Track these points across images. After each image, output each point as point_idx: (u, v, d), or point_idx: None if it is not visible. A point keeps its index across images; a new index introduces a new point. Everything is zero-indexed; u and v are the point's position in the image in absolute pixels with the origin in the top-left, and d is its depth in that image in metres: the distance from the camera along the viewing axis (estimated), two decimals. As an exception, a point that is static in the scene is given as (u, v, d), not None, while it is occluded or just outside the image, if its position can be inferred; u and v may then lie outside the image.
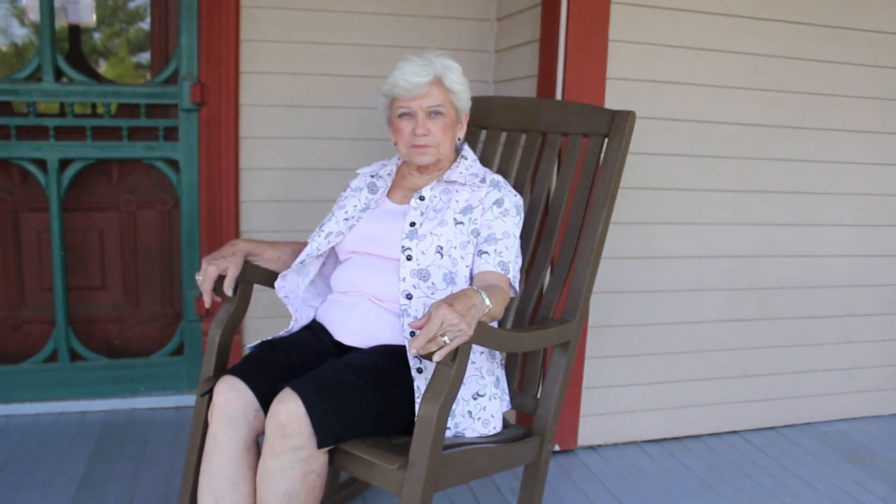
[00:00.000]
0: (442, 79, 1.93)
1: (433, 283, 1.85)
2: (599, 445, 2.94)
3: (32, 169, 2.95)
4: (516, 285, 1.90)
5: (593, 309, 2.72)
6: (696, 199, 2.86)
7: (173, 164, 3.04)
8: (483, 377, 1.89)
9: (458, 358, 1.56)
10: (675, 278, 2.89)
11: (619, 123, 2.06)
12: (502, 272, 1.86)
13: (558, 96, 2.61)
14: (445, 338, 1.50)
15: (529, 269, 2.14)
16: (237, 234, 3.07)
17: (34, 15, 3.00)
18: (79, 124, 2.95)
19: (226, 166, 3.01)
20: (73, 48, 3.15)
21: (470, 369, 1.82)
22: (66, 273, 3.03)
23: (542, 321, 2.09)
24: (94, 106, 3.07)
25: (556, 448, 2.83)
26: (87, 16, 3.13)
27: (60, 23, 3.07)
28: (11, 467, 2.65)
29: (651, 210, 2.81)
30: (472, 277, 1.89)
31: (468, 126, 2.10)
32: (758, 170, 2.91)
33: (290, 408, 1.60)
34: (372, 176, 2.10)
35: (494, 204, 1.92)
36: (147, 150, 3.01)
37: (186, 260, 3.09)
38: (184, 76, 2.95)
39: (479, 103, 2.21)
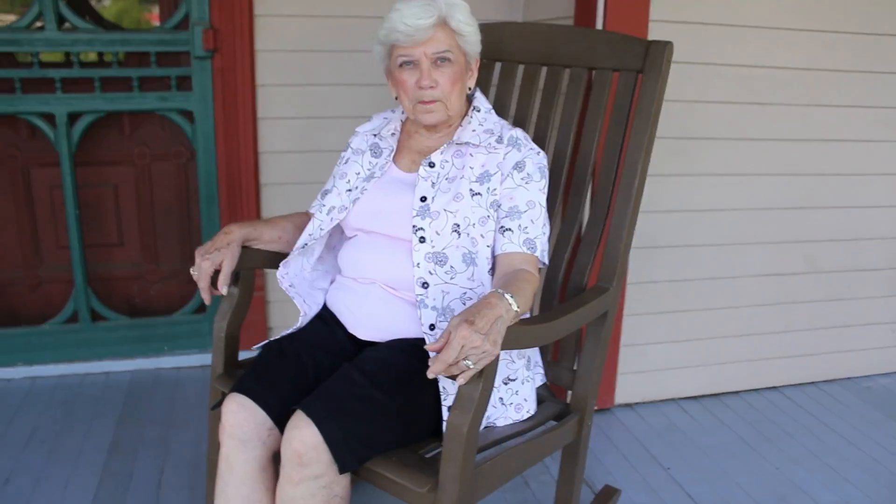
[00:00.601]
0: (447, 20, 1.66)
1: (451, 267, 1.65)
2: (637, 403, 2.88)
3: (40, 123, 2.82)
4: (545, 259, 1.71)
5: (631, 265, 2.62)
6: (741, 149, 2.72)
7: (187, 114, 2.90)
8: (513, 361, 1.74)
9: (485, 373, 1.40)
10: (717, 232, 2.77)
11: (655, 56, 1.77)
12: (529, 251, 1.65)
13: (599, 13, 2.41)
14: (468, 361, 1.32)
15: (557, 231, 1.95)
16: (257, 187, 2.95)
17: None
18: (86, 75, 2.80)
19: (243, 116, 2.86)
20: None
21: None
22: (81, 231, 2.93)
23: (574, 291, 1.90)
24: (101, 55, 2.90)
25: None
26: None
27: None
28: (40, 434, 2.63)
29: (693, 161, 2.67)
30: (493, 257, 1.70)
31: (481, 59, 1.83)
32: (807, 117, 2.75)
33: (305, 435, 1.45)
34: (374, 135, 1.86)
35: (514, 168, 1.69)
36: (160, 101, 2.86)
37: (205, 215, 2.98)
38: (195, 21, 2.78)
39: (491, 31, 1.97)
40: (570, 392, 1.91)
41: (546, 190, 1.73)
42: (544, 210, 1.70)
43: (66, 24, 2.76)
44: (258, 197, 2.97)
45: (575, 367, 1.92)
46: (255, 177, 2.94)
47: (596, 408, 2.75)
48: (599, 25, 2.43)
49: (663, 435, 2.69)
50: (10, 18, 2.86)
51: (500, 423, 1.73)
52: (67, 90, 2.80)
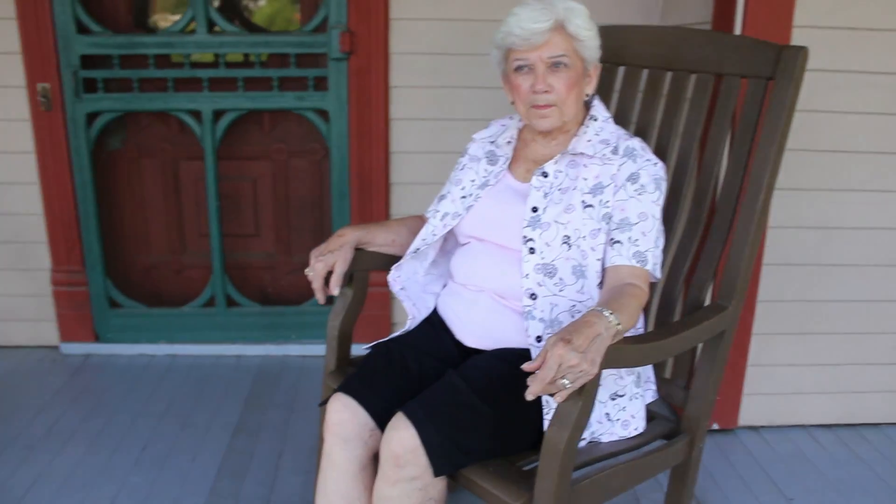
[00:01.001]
0: (565, 24, 1.63)
1: (561, 279, 1.63)
2: (762, 427, 2.74)
3: (188, 120, 3.01)
4: (657, 273, 1.65)
5: (762, 282, 2.49)
6: (891, 164, 2.51)
7: (323, 114, 3.01)
8: (622, 377, 1.69)
9: (584, 392, 1.38)
10: (859, 251, 2.59)
11: (788, 62, 1.67)
12: (638, 264, 1.60)
13: (738, 14, 2.30)
14: (565, 380, 1.31)
15: (676, 244, 1.89)
16: (387, 185, 3.03)
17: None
18: (231, 75, 2.96)
19: (375, 116, 2.95)
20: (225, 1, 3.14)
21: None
22: (221, 221, 3.11)
23: (691, 307, 1.84)
24: (245, 56, 3.06)
25: (715, 426, 2.66)
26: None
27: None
28: (175, 408, 2.81)
29: (835, 175, 2.51)
30: (603, 270, 1.66)
31: (603, 63, 1.80)
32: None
33: (403, 437, 1.49)
34: (491, 142, 1.86)
35: (628, 180, 1.64)
36: (297, 101, 2.98)
37: (337, 211, 3.08)
38: (333, 24, 2.88)
39: (614, 34, 1.93)
40: (683, 414, 1.84)
41: (661, 202, 1.67)
42: (658, 223, 1.65)
43: (216, 28, 2.93)
44: (388, 195, 3.04)
45: (689, 387, 1.85)
46: (386, 175, 3.02)
47: (717, 428, 2.66)
48: (737, 31, 2.32)
49: (788, 463, 2.54)
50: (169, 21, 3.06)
51: (606, 438, 1.69)
52: (214, 89, 2.98)
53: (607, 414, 1.68)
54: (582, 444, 1.63)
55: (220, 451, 2.55)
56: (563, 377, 1.31)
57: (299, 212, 3.24)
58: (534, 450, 1.61)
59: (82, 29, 2.92)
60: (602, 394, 1.65)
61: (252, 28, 3.17)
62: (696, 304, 1.84)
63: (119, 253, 3.26)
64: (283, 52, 2.96)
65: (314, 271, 1.80)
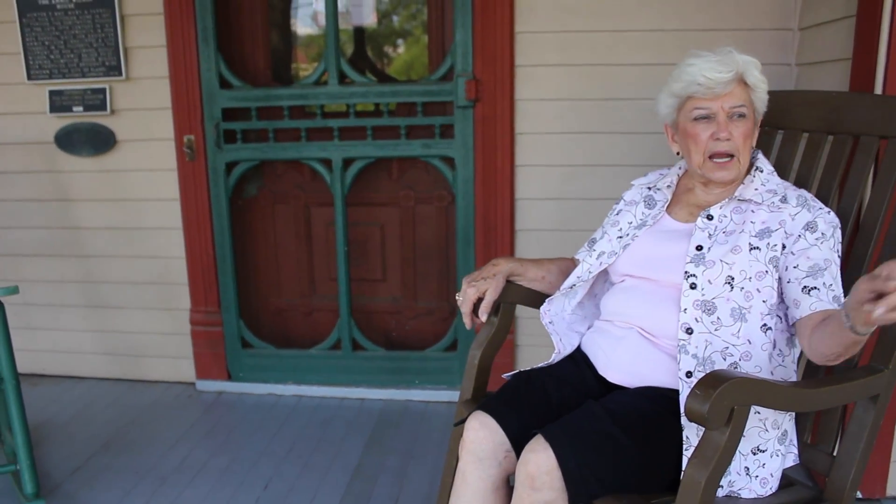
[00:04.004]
0: (744, 75, 1.72)
1: (718, 318, 1.64)
2: (912, 497, 2.54)
3: (319, 168, 3.18)
4: None
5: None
6: None
7: (449, 161, 3.10)
8: (767, 430, 1.67)
9: (733, 421, 1.37)
10: None
11: None
12: (840, 308, 1.53)
13: (878, 85, 2.24)
14: None
15: None
16: (512, 232, 3.08)
17: (324, 20, 3.17)
18: (360, 124, 3.13)
19: (501, 163, 3.02)
20: (357, 49, 3.31)
21: (752, 420, 1.60)
22: (349, 265, 3.24)
23: (843, 366, 1.76)
24: (375, 104, 3.19)
25: (858, 495, 2.48)
26: (369, 17, 3.26)
27: (345, 25, 3.21)
28: (297, 449, 2.93)
29: None
30: (795, 324, 1.64)
31: (762, 126, 1.85)
32: None
33: (541, 458, 1.52)
34: (649, 188, 1.93)
35: (806, 228, 1.66)
36: (424, 148, 3.08)
37: (462, 257, 3.15)
38: (459, 73, 2.98)
39: (775, 99, 1.92)
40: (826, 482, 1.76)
41: (838, 250, 1.69)
42: (839, 269, 1.66)
43: (347, 79, 3.07)
44: (513, 241, 3.09)
45: (834, 453, 1.78)
46: (511, 222, 3.07)
47: (861, 497, 2.48)
48: (881, 70, 2.24)
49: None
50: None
51: (745, 494, 1.67)
52: (344, 138, 3.14)
53: (747, 468, 1.66)
54: (720, 493, 1.62)
55: (339, 493, 2.64)
56: None
57: (425, 257, 3.32)
58: (669, 491, 1.60)
59: (224, 84, 3.16)
60: (744, 445, 1.64)
61: (382, 77, 3.31)
62: (850, 364, 1.78)
63: (252, 295, 3.46)
64: (410, 101, 3.07)
65: (464, 296, 1.89)
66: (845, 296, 1.57)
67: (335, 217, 3.20)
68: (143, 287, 3.45)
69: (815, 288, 1.60)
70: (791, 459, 1.76)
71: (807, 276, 1.62)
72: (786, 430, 1.71)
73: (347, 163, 3.16)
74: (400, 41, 3.42)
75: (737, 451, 1.57)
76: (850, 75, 2.37)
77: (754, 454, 1.65)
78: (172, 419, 3.20)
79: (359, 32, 3.34)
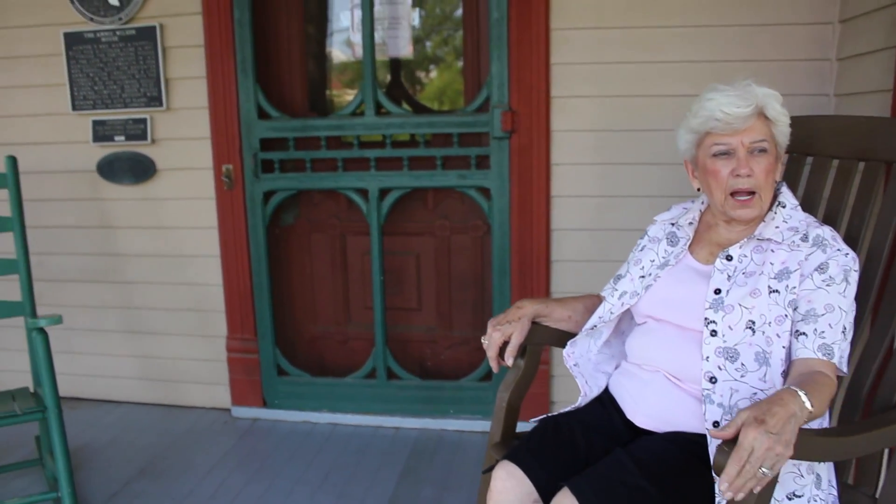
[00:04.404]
0: (764, 109, 1.68)
1: (742, 364, 1.61)
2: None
3: (356, 198, 3.22)
4: (844, 367, 1.61)
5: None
6: None
7: (485, 191, 3.13)
8: (802, 476, 1.64)
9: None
10: None
11: None
12: (824, 357, 1.56)
13: (919, 116, 2.21)
14: (764, 468, 1.29)
15: (865, 339, 1.83)
16: (547, 263, 3.10)
17: (360, 52, 3.23)
18: (397, 155, 3.17)
19: (537, 194, 3.04)
20: (394, 80, 3.35)
21: (787, 465, 1.58)
22: (384, 294, 3.26)
23: (880, 407, 1.76)
24: (411, 135, 3.22)
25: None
26: (405, 48, 3.30)
27: (381, 56, 3.26)
28: (333, 478, 2.96)
29: None
30: (789, 361, 1.63)
31: (790, 153, 1.84)
32: None
33: None
34: (672, 224, 1.90)
35: (816, 270, 1.62)
36: (459, 179, 3.11)
37: (497, 287, 3.17)
38: (495, 104, 3.01)
39: (803, 125, 1.91)
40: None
41: (850, 293, 1.64)
42: (846, 315, 1.61)
43: (383, 110, 3.12)
44: (548, 273, 3.10)
45: (877, 495, 1.76)
46: (547, 253, 3.08)
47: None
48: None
49: None
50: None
51: None
52: (380, 168, 3.18)
53: None
54: None
55: (374, 524, 2.64)
56: (760, 466, 1.29)
57: (460, 287, 3.34)
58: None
59: (263, 115, 3.22)
60: (779, 491, 1.60)
61: (418, 108, 3.35)
62: (887, 405, 1.76)
63: (288, 323, 3.51)
64: (446, 132, 3.10)
65: (490, 340, 1.89)
66: (846, 342, 1.59)
67: (371, 246, 3.24)
68: (181, 314, 3.51)
69: (804, 334, 1.59)
70: (832, 501, 1.72)
71: (801, 321, 1.60)
72: (820, 475, 1.67)
73: (384, 193, 3.20)
74: (434, 72, 3.47)
75: (772, 499, 1.53)
76: (892, 106, 2.36)
77: (790, 500, 1.62)
78: (208, 445, 3.24)
79: (394, 63, 3.39)
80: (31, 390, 2.97)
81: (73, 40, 3.37)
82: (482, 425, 3.24)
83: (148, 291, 3.53)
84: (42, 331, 2.58)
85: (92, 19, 3.32)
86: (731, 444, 1.33)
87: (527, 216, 3.06)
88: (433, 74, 3.49)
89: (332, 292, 3.48)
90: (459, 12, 3.30)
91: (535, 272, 3.08)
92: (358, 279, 3.43)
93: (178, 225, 3.42)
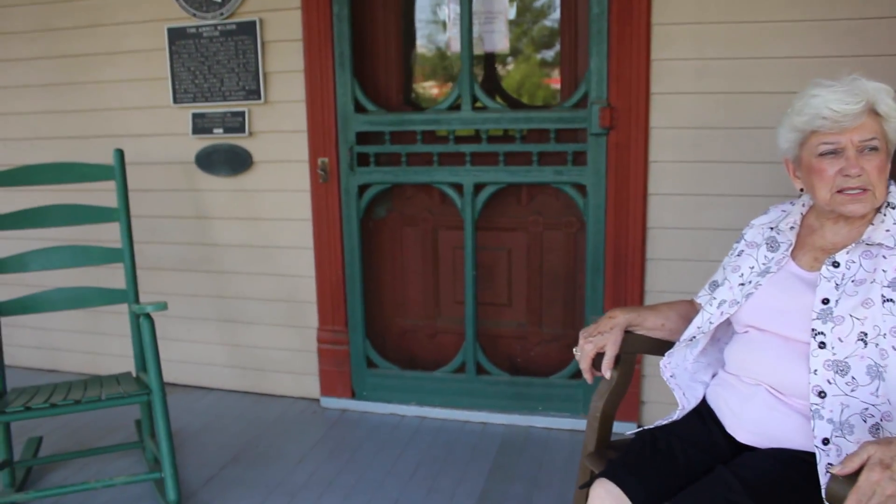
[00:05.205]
0: (875, 105, 1.58)
1: (853, 378, 1.53)
2: None
3: (450, 192, 3.26)
4: None
5: None
6: None
7: (580, 188, 3.14)
8: None
9: None
10: None
11: None
12: None
13: None
14: None
15: None
16: (642, 261, 3.09)
17: (456, 46, 3.27)
18: (492, 150, 3.19)
19: (633, 191, 3.03)
20: (488, 75, 3.38)
21: None
22: (476, 289, 3.28)
23: None
24: (505, 131, 3.25)
25: None
26: (501, 43, 3.33)
27: (477, 51, 3.30)
28: (422, 471, 3.00)
29: None
30: None
31: None
32: None
33: None
34: (771, 228, 1.82)
35: None
36: (555, 175, 3.13)
37: (590, 284, 3.17)
38: (593, 100, 3.01)
39: None
40: None
41: None
42: None
43: (479, 105, 3.16)
44: (643, 271, 3.10)
45: None
46: (642, 251, 3.08)
47: None
48: None
49: None
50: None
51: None
52: (476, 163, 3.22)
53: None
54: None
55: (464, 518, 2.68)
56: None
57: (552, 284, 3.36)
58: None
59: (359, 108, 3.28)
60: None
61: (512, 103, 3.37)
62: None
63: (378, 315, 3.57)
64: (542, 128, 3.12)
65: (583, 352, 1.88)
66: None
67: (464, 241, 3.28)
68: (272, 304, 3.61)
69: None
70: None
71: None
72: None
73: (478, 188, 3.23)
74: (529, 66, 3.49)
75: None
76: None
77: None
78: (298, 434, 3.33)
79: (489, 57, 3.43)
80: (134, 375, 3.10)
81: (175, 35, 3.49)
82: (571, 423, 3.26)
83: (241, 281, 3.64)
84: (148, 316, 2.70)
85: (195, 15, 3.44)
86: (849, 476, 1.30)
87: (622, 213, 3.06)
88: (519, 68, 3.51)
89: (423, 286, 3.53)
90: (557, 6, 3.32)
91: (629, 270, 3.08)
92: (449, 273, 3.48)
93: (273, 216, 3.52)
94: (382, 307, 3.59)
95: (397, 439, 3.25)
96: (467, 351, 3.36)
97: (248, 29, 3.38)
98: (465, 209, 3.25)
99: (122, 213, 3.05)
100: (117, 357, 3.93)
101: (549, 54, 3.44)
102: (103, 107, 3.71)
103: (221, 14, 3.40)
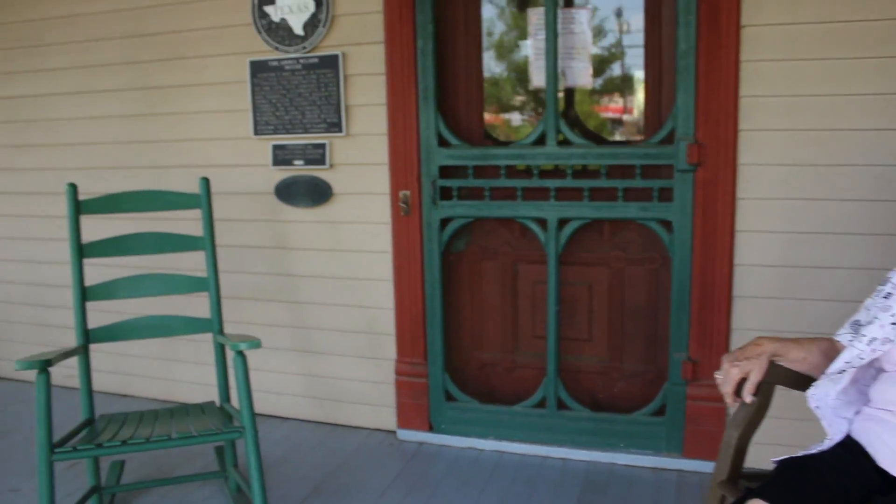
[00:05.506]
0: None
1: None
2: None
3: (533, 227, 3.28)
4: None
5: None
6: None
7: (666, 224, 3.13)
8: None
9: None
10: None
11: None
12: None
13: None
14: None
15: None
16: (729, 298, 3.08)
17: (537, 81, 3.30)
18: (577, 185, 3.20)
19: (721, 228, 3.03)
20: (569, 110, 3.40)
21: None
22: (558, 324, 3.29)
23: None
24: (585, 165, 3.27)
25: None
26: (584, 79, 3.33)
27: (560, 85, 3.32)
28: (505, 508, 2.98)
29: None
30: None
31: None
32: None
33: None
34: None
35: None
36: (641, 211, 3.13)
37: (675, 321, 3.16)
38: (680, 136, 3.02)
39: None
40: None
41: None
42: None
43: (564, 140, 3.18)
44: (730, 308, 3.09)
45: None
46: (729, 288, 3.07)
47: None
48: None
49: None
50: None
51: None
52: (560, 198, 3.23)
53: None
54: None
55: (555, 560, 2.67)
56: None
57: (633, 319, 3.35)
58: None
59: (442, 142, 3.31)
60: None
61: (591, 137, 3.38)
62: None
63: (456, 348, 3.59)
64: (628, 164, 3.13)
65: (727, 376, 1.90)
66: None
67: (547, 276, 3.28)
68: (350, 335, 3.65)
69: None
70: None
71: None
72: None
73: (562, 222, 3.24)
74: (613, 102, 3.51)
75: None
76: None
77: None
78: (376, 467, 3.34)
79: (568, 92, 3.44)
80: (217, 404, 3.14)
81: (257, 68, 3.56)
82: (654, 461, 3.23)
83: (319, 312, 3.68)
84: (241, 353, 2.74)
85: (277, 48, 3.51)
86: None
87: (709, 250, 3.04)
88: (613, 110, 3.53)
89: (501, 319, 3.54)
90: (640, 43, 3.34)
91: (716, 307, 3.06)
92: (528, 307, 3.48)
93: (352, 248, 3.56)
94: (461, 340, 3.60)
95: (478, 474, 3.25)
96: (548, 386, 3.35)
97: (331, 62, 3.44)
98: (549, 244, 3.26)
99: (208, 242, 3.11)
100: (191, 384, 3.99)
101: (598, 82, 3.47)
102: (184, 137, 3.80)
103: (304, 48, 3.46)
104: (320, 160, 3.52)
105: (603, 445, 3.32)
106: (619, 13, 3.39)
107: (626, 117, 3.62)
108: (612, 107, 3.62)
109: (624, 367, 3.41)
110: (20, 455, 3.60)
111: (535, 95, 3.57)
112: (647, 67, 3.27)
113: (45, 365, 2.58)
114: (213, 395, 3.82)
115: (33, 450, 3.59)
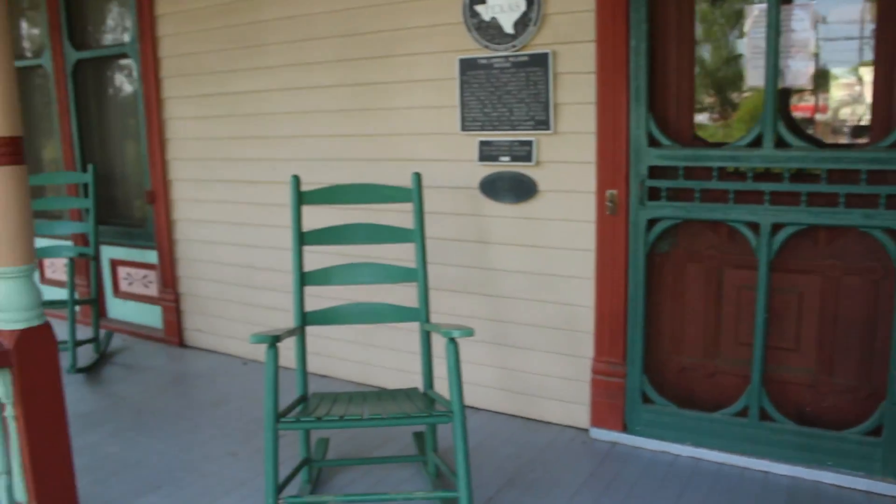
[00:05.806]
0: None
1: None
2: None
3: (744, 230, 3.21)
4: None
5: None
6: None
7: (892, 233, 2.98)
8: None
9: None
10: None
11: None
12: None
13: None
14: None
15: None
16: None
17: (753, 80, 3.22)
18: (794, 189, 3.11)
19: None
20: (784, 111, 3.28)
21: None
22: (767, 332, 3.20)
23: None
24: (800, 168, 3.15)
25: None
26: (803, 78, 3.21)
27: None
28: (706, 515, 2.94)
29: None
30: None
31: None
32: None
33: None
34: None
35: None
36: (864, 218, 3.01)
37: (896, 336, 2.99)
38: (914, 141, 2.85)
39: None
40: None
41: None
42: None
43: (782, 143, 3.09)
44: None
45: None
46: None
47: None
48: None
49: None
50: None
51: None
52: (774, 202, 3.14)
53: None
54: None
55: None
56: None
57: (846, 332, 3.21)
58: None
59: (653, 142, 3.29)
60: None
61: (807, 139, 3.25)
62: None
63: (655, 350, 3.57)
64: (852, 168, 3.00)
65: None
66: None
67: (757, 282, 3.20)
68: (547, 331, 3.70)
69: None
70: None
71: None
72: None
73: (776, 227, 3.15)
74: (803, 100, 3.37)
75: None
76: None
77: None
78: (569, 464, 3.38)
79: (784, 92, 3.33)
80: (421, 391, 3.28)
81: (467, 66, 3.68)
82: (867, 483, 3.07)
83: (517, 306, 3.76)
84: (453, 341, 2.85)
85: (487, 46, 3.61)
86: None
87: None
88: (804, 102, 3.38)
89: (703, 324, 3.48)
90: (869, 42, 3.18)
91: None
92: (731, 313, 3.40)
93: (554, 245, 3.61)
94: (661, 342, 3.57)
95: (674, 479, 3.22)
96: (752, 395, 3.27)
97: (541, 61, 3.49)
98: (760, 249, 3.17)
99: (418, 235, 3.25)
100: (387, 370, 4.18)
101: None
102: (393, 132, 3.98)
103: (514, 46, 3.54)
104: (526, 157, 3.59)
105: (808, 461, 3.20)
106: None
107: (818, 116, 3.46)
108: (801, 105, 3.47)
109: (834, 381, 3.26)
110: (235, 423, 3.91)
111: (726, 96, 3.52)
112: (877, 65, 3.11)
113: (274, 340, 2.80)
114: (406, 381, 4.01)
115: (246, 419, 3.95)
